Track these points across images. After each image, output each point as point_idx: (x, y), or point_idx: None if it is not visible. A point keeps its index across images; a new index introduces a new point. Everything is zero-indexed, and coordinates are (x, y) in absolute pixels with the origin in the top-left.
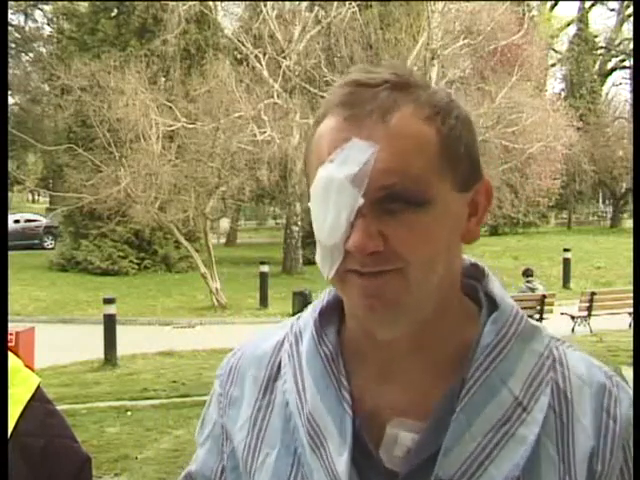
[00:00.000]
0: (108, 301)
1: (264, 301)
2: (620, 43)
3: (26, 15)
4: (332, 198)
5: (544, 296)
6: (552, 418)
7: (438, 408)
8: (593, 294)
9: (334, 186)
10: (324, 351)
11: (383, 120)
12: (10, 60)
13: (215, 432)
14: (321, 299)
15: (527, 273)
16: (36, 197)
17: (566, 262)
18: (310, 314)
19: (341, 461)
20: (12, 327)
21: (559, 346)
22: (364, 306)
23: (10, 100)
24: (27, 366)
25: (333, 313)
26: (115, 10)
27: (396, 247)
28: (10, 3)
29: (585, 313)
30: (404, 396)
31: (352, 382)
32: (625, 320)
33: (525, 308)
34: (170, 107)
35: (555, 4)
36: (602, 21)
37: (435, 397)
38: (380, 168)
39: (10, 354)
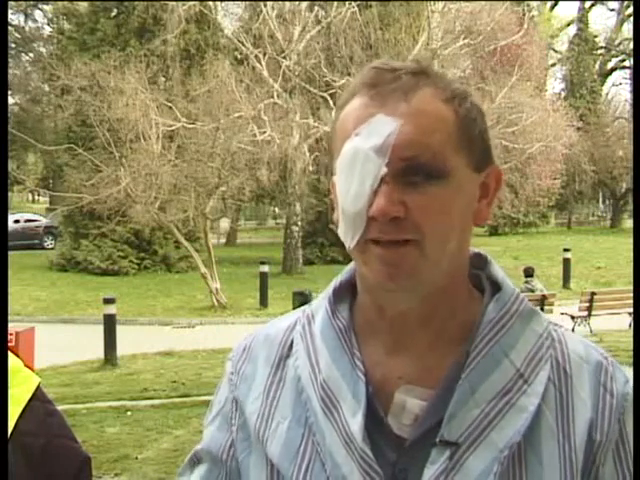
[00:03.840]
0: (108, 301)
1: (264, 301)
2: (620, 43)
3: (26, 15)
4: (357, 168)
5: (544, 296)
6: (552, 391)
7: (445, 377)
8: (593, 294)
9: (360, 156)
10: (338, 325)
11: (405, 98)
12: (10, 60)
13: (225, 409)
14: (335, 280)
15: (528, 272)
16: (36, 197)
17: (566, 262)
18: (323, 297)
19: (355, 421)
20: (12, 327)
21: (557, 329)
22: (383, 274)
23: (10, 100)
24: (27, 366)
25: (346, 291)
26: (115, 10)
27: (415, 217)
28: (10, 3)
29: (585, 313)
30: (413, 367)
31: (364, 353)
32: (625, 320)
33: None
34: (170, 107)
35: (555, 4)
36: (602, 21)
37: (442, 368)
38: (403, 140)
39: (10, 354)
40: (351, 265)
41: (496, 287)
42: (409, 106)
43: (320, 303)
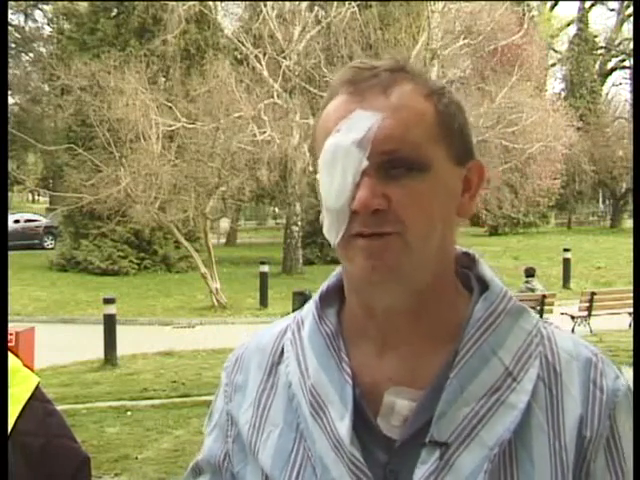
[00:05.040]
0: (108, 301)
1: (264, 301)
2: (620, 43)
3: (26, 15)
4: (339, 163)
5: (544, 296)
6: (542, 388)
7: (434, 377)
8: (593, 294)
9: (341, 151)
10: (325, 330)
11: (385, 93)
12: (10, 60)
13: (221, 420)
14: (322, 286)
15: (529, 272)
16: (36, 197)
17: (566, 262)
18: (311, 302)
19: (342, 425)
20: (12, 327)
21: (547, 326)
22: (367, 267)
23: (10, 100)
24: (27, 366)
25: (333, 297)
26: (115, 10)
27: (397, 209)
28: (10, 3)
29: (585, 313)
30: (401, 368)
31: (352, 357)
32: (625, 320)
33: None
34: (170, 107)
35: (555, 4)
36: (602, 21)
37: (431, 368)
38: (383, 134)
39: (9, 354)
40: (338, 269)
41: (485, 286)
42: (388, 101)
43: (309, 308)
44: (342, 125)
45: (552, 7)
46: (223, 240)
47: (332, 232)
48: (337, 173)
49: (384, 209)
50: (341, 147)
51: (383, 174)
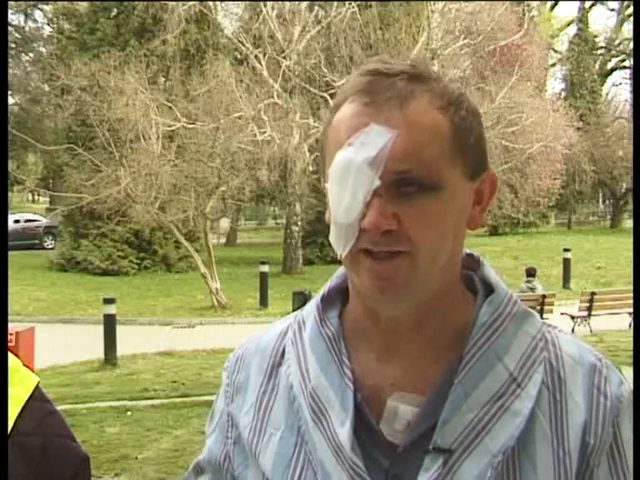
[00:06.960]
0: (108, 301)
1: (264, 301)
2: (620, 43)
3: (26, 15)
4: (350, 179)
5: (544, 296)
6: (545, 394)
7: (438, 383)
8: (593, 294)
9: (352, 168)
10: (326, 332)
11: (400, 107)
12: (10, 60)
13: (221, 421)
14: (324, 287)
15: (530, 272)
16: (36, 197)
17: (566, 262)
18: (313, 303)
19: (343, 431)
20: (12, 327)
21: (551, 330)
22: (375, 288)
23: (10, 100)
24: (27, 366)
25: (335, 298)
26: (115, 10)
27: (407, 229)
28: (10, 3)
29: (585, 313)
30: (404, 373)
31: (354, 361)
32: (625, 320)
33: None
34: (170, 107)
35: (555, 4)
36: (602, 21)
37: (434, 373)
38: (397, 153)
39: (9, 354)
40: (341, 270)
41: (489, 289)
42: (404, 116)
43: (310, 309)
44: (355, 140)
45: (552, 7)
46: (223, 240)
47: (340, 245)
48: (347, 189)
49: (394, 229)
50: (353, 164)
51: (394, 193)
